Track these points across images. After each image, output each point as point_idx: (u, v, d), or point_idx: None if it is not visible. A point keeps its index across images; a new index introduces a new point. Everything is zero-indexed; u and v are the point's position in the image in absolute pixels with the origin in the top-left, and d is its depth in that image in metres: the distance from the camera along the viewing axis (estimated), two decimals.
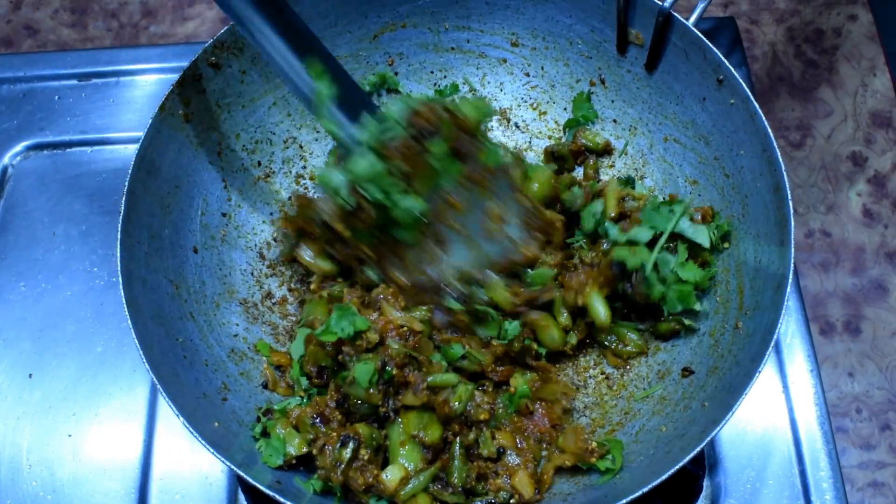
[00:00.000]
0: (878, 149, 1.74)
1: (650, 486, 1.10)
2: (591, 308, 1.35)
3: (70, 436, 1.48)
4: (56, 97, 1.77)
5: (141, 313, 1.22)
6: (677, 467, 1.11)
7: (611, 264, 1.34)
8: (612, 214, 1.40)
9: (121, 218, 1.26)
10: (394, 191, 1.24)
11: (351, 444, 1.18)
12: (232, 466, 1.12)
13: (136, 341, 1.18)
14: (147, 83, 1.78)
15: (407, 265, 1.33)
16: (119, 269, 1.22)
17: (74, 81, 1.78)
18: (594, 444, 1.25)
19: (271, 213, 1.52)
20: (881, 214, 1.68)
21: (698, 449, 1.11)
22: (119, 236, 1.25)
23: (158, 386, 1.16)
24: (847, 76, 1.81)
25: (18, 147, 1.72)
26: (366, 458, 1.19)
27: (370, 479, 1.18)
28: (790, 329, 1.50)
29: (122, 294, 1.20)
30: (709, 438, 1.11)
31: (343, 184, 1.25)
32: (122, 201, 1.26)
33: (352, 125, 1.26)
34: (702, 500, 1.40)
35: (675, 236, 1.35)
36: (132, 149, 1.54)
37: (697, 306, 1.34)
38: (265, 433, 1.26)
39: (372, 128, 1.25)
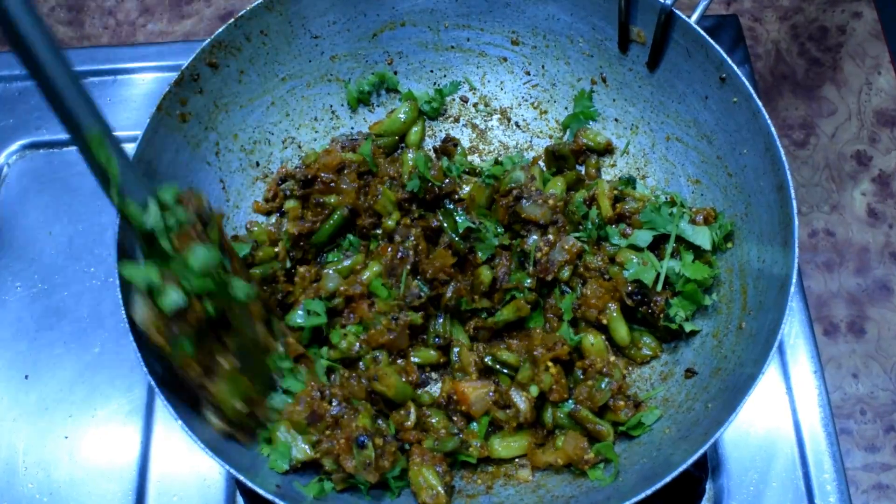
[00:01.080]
0: (882, 148, 1.73)
1: (654, 489, 1.10)
2: (615, 330, 1.36)
3: (67, 437, 1.47)
4: None
5: None
6: (681, 469, 1.10)
7: (630, 292, 1.33)
8: (609, 216, 1.39)
9: (118, 219, 1.24)
10: (225, 277, 1.14)
11: (368, 443, 1.20)
12: (232, 471, 1.11)
13: (135, 345, 1.17)
14: (144, 82, 1.77)
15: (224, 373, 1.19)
16: (118, 272, 1.21)
17: None
18: (591, 454, 1.25)
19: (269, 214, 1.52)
20: (886, 214, 1.67)
21: (702, 450, 1.11)
22: (116, 237, 1.23)
23: (157, 391, 1.15)
24: (851, 74, 1.80)
25: (14, 146, 1.71)
26: (381, 444, 1.21)
27: (393, 456, 1.22)
28: (794, 330, 1.50)
29: (121, 297, 1.19)
30: (713, 440, 1.11)
31: (159, 280, 1.09)
32: None
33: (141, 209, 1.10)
34: (704, 503, 1.39)
35: (677, 238, 1.35)
36: (129, 148, 1.52)
37: (706, 300, 1.33)
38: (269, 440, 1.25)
39: (157, 212, 1.10)
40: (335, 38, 1.51)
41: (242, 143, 1.49)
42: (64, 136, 1.67)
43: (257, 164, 1.51)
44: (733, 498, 1.38)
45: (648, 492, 1.10)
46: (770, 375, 1.46)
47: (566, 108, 1.58)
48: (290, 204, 1.46)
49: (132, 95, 1.75)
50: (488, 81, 1.61)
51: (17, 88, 1.76)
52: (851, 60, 1.82)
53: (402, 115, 1.56)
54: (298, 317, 1.35)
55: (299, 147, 1.55)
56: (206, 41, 1.36)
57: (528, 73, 1.59)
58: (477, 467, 1.32)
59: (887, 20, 1.85)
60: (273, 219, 1.51)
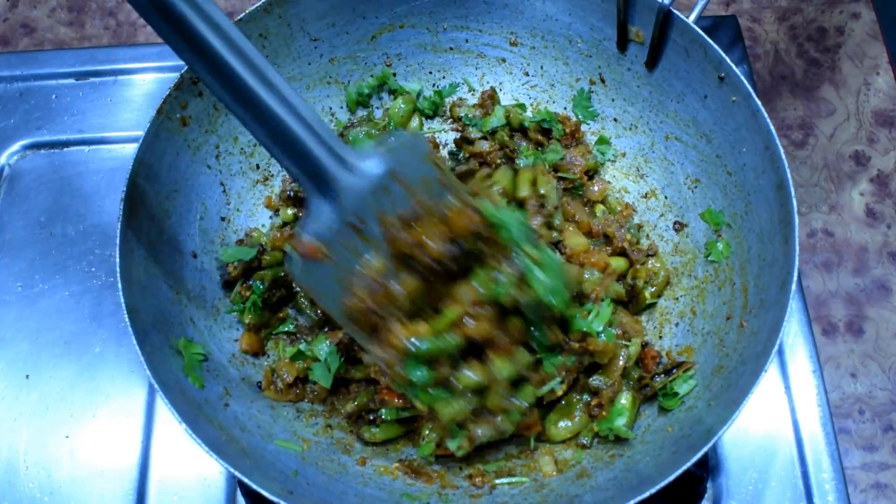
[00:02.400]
0: (880, 148, 1.73)
1: (657, 488, 1.10)
2: None
3: (67, 437, 1.47)
4: (53, 96, 1.76)
5: (141, 319, 1.21)
6: (685, 467, 1.10)
7: None
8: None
9: (119, 223, 1.24)
10: None
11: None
12: (236, 472, 1.11)
13: (138, 348, 1.17)
14: (145, 82, 1.77)
15: None
16: (119, 275, 1.21)
17: (72, 80, 1.77)
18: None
19: (270, 217, 1.52)
20: (884, 214, 1.67)
21: (706, 448, 1.11)
22: (118, 242, 1.23)
23: (160, 393, 1.15)
24: (850, 75, 1.81)
25: (15, 146, 1.72)
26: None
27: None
28: (792, 329, 1.50)
29: (123, 300, 1.19)
30: (716, 438, 1.11)
31: None
32: (121, 206, 1.25)
33: None
34: (704, 502, 1.39)
35: None
36: (130, 148, 1.53)
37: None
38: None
39: None
40: (334, 40, 1.51)
41: (242, 146, 1.49)
42: (65, 136, 1.72)
43: (257, 166, 1.51)
44: (733, 497, 1.39)
45: (653, 490, 1.10)
46: (769, 375, 1.46)
47: (565, 109, 1.58)
48: (288, 213, 1.47)
49: (133, 96, 1.75)
50: (487, 83, 1.61)
51: (17, 89, 1.77)
52: (850, 61, 1.82)
53: (399, 108, 1.57)
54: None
55: None
56: None
57: (527, 74, 1.59)
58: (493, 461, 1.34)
59: (886, 21, 1.85)
60: (275, 220, 1.51)
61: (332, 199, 1.11)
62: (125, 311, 1.18)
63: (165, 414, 1.47)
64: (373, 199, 1.12)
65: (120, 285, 1.20)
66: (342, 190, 1.10)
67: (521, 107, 1.57)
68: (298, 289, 1.39)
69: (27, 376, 1.52)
